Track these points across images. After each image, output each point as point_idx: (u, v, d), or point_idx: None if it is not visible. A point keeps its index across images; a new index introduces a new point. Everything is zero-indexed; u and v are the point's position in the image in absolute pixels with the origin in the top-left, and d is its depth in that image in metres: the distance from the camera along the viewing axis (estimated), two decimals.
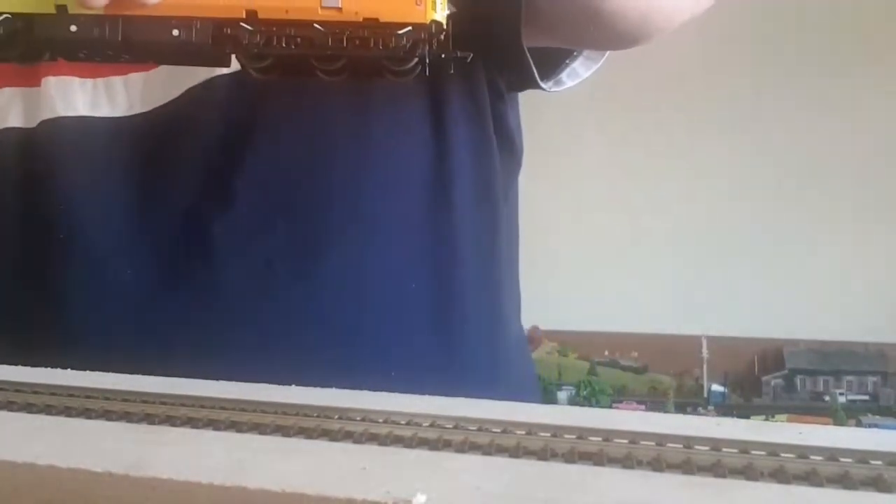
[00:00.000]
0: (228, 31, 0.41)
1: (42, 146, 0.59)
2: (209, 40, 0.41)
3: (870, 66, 1.82)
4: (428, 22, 0.41)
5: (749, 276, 2.29)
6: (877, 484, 0.28)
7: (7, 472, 0.30)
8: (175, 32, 0.41)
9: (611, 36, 0.59)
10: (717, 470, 0.29)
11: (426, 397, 0.39)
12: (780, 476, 0.28)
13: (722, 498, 0.27)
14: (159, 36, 0.41)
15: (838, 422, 2.26)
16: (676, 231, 1.95)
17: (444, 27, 0.42)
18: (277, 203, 0.57)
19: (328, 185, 0.57)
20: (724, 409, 2.35)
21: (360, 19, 0.41)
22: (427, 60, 0.42)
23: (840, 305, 2.37)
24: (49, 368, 0.44)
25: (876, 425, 2.20)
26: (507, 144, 0.64)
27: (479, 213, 0.62)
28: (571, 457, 0.30)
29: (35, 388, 0.40)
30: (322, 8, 0.41)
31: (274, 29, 0.41)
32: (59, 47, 0.43)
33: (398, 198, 0.59)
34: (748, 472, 0.28)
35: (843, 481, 0.28)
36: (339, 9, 0.41)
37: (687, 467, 0.29)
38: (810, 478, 0.28)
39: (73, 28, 0.41)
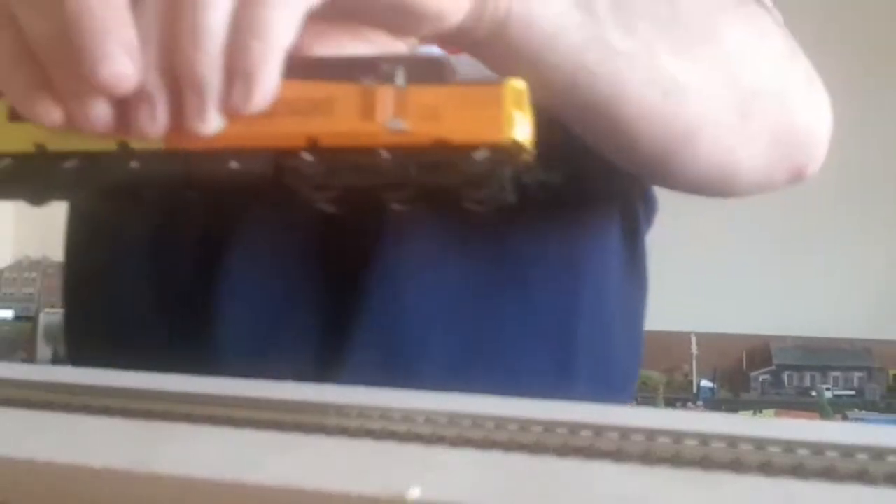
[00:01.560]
0: (289, 162, 0.38)
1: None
2: (270, 172, 0.39)
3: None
4: (507, 142, 0.37)
5: (737, 274, 2.30)
6: (862, 477, 0.28)
7: (6, 468, 0.30)
8: (234, 164, 0.39)
9: (689, 188, 0.58)
10: (705, 464, 0.29)
11: (420, 393, 0.39)
12: (768, 469, 0.29)
13: (710, 491, 0.27)
14: (218, 169, 0.39)
15: (825, 416, 2.28)
16: (665, 229, 1.96)
17: (529, 147, 0.38)
18: None
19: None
20: (713, 404, 2.36)
21: (430, 142, 0.38)
22: (512, 186, 0.38)
23: (826, 303, 2.39)
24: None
25: (861, 420, 2.21)
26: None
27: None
28: (563, 451, 0.31)
29: (34, 385, 0.40)
30: (388, 132, 0.38)
31: (337, 157, 0.38)
32: (120, 186, 0.40)
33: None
34: (736, 466, 0.29)
35: (829, 475, 0.28)
36: (406, 131, 0.38)
37: (676, 461, 0.29)
38: (797, 471, 0.28)
39: (135, 165, 0.39)
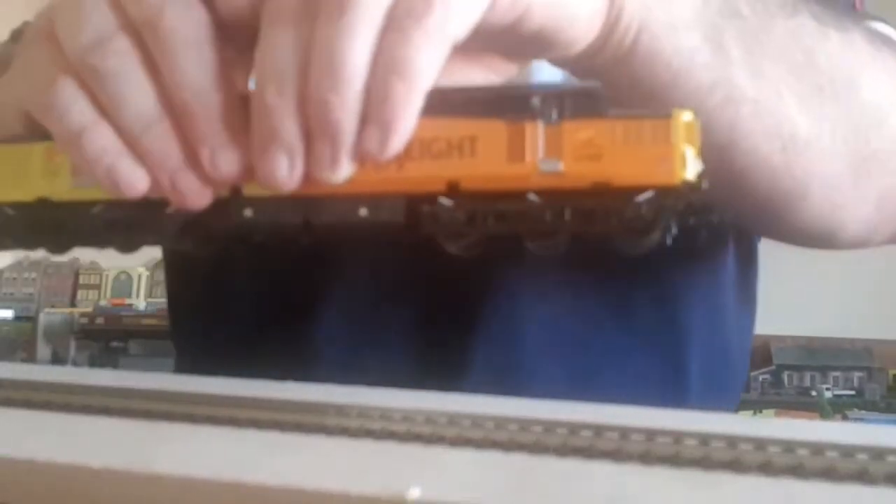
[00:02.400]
0: (425, 208, 0.35)
1: None
2: (402, 219, 0.35)
3: None
4: (678, 183, 0.33)
5: None
6: (862, 477, 0.28)
7: (6, 468, 0.30)
8: (362, 212, 0.35)
9: (787, 240, 0.57)
10: (705, 463, 0.29)
11: (420, 393, 0.39)
12: (768, 469, 0.29)
13: (710, 491, 0.27)
14: (344, 216, 0.35)
15: (824, 416, 2.28)
16: None
17: (699, 186, 0.34)
18: None
19: None
20: None
21: (587, 185, 0.33)
22: (673, 230, 0.34)
23: (827, 303, 2.39)
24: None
25: (861, 420, 2.22)
26: None
27: None
28: (563, 451, 0.31)
29: (34, 385, 0.40)
30: (539, 174, 0.34)
31: (480, 203, 0.34)
32: (231, 234, 0.37)
33: None
34: (736, 466, 0.29)
35: (829, 474, 0.28)
36: (561, 172, 0.34)
37: (676, 461, 0.29)
38: (797, 471, 0.28)
39: (248, 213, 0.36)
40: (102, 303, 2.90)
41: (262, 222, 0.36)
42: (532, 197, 0.34)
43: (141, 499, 0.29)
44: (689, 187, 0.34)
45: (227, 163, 0.34)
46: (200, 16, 0.35)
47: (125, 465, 0.29)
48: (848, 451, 0.30)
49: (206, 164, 0.34)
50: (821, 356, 2.56)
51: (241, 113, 0.34)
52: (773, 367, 2.58)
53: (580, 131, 0.34)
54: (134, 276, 2.90)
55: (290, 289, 0.60)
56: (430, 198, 0.34)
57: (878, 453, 0.30)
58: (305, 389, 0.41)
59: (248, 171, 0.34)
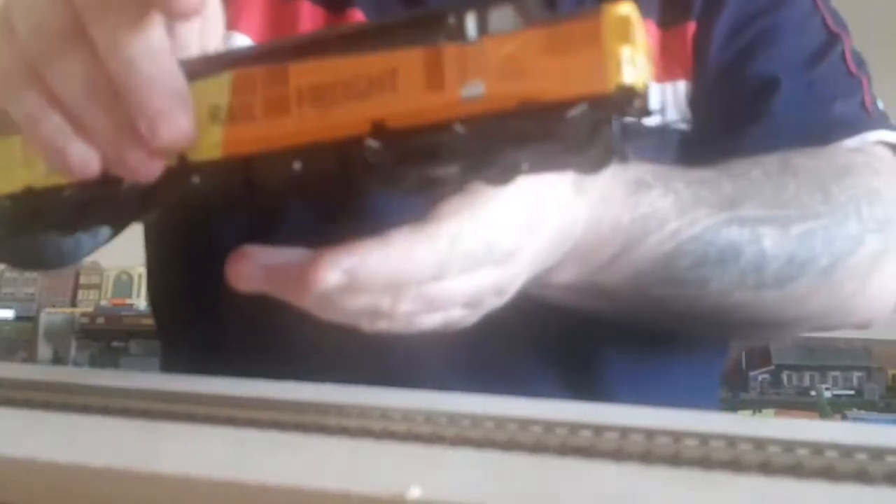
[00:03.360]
0: (354, 153, 0.33)
1: None
2: (334, 168, 0.33)
3: None
4: (612, 90, 0.30)
5: None
6: (861, 477, 0.28)
7: (7, 467, 0.30)
8: (296, 166, 0.34)
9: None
10: (705, 463, 0.29)
11: (420, 393, 0.39)
12: (767, 469, 0.29)
13: (710, 491, 0.27)
14: (281, 172, 0.34)
15: (824, 416, 2.28)
16: None
17: (642, 89, 0.30)
18: None
19: None
20: None
21: (514, 105, 0.31)
22: (616, 144, 0.30)
23: None
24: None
25: (861, 419, 2.22)
26: None
27: None
28: (563, 451, 0.31)
29: (34, 385, 0.40)
30: (461, 101, 0.31)
31: (407, 141, 0.32)
32: (183, 201, 0.37)
33: None
34: (735, 466, 0.29)
35: (829, 474, 0.28)
36: (482, 97, 0.31)
37: (675, 461, 0.29)
38: (796, 471, 0.28)
39: (196, 179, 0.36)
40: (103, 303, 2.90)
41: (208, 187, 0.36)
42: (458, 127, 0.31)
43: (141, 498, 0.29)
44: (629, 93, 0.30)
45: (166, 131, 0.34)
46: None
47: (125, 464, 0.29)
48: (847, 451, 0.30)
49: (146, 135, 0.35)
50: (820, 356, 2.56)
51: (177, 79, 0.35)
52: (773, 367, 2.58)
53: (501, 47, 0.31)
54: (134, 275, 2.90)
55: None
56: (358, 142, 0.33)
57: (878, 453, 0.30)
58: (305, 389, 0.41)
59: (191, 138, 0.35)
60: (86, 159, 0.36)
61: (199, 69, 0.36)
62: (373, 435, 0.33)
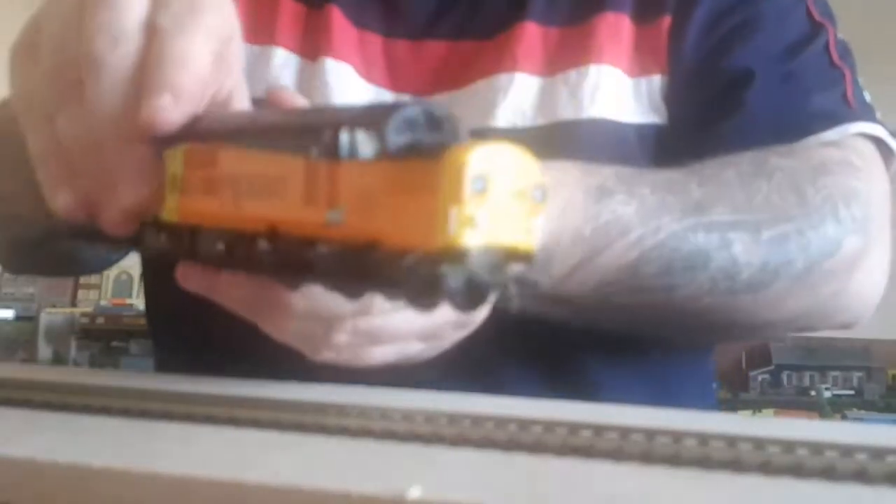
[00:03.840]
0: (253, 248, 0.33)
1: None
2: (243, 256, 0.34)
3: None
4: (443, 247, 0.27)
5: None
6: (861, 477, 0.28)
7: (7, 467, 0.30)
8: (220, 245, 0.35)
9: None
10: (705, 463, 0.29)
11: (420, 393, 0.39)
12: (767, 469, 0.29)
13: (710, 490, 0.27)
14: (209, 248, 0.36)
15: (824, 416, 2.28)
16: None
17: (490, 247, 0.28)
18: None
19: None
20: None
21: (363, 240, 0.29)
22: (462, 297, 0.28)
23: None
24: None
25: (861, 419, 2.22)
26: None
27: None
28: (563, 451, 0.31)
29: (34, 385, 0.40)
30: (325, 224, 0.30)
31: (290, 248, 0.32)
32: (156, 254, 0.39)
33: None
34: (735, 466, 0.29)
35: (829, 474, 0.28)
36: (343, 225, 0.30)
37: (676, 461, 0.29)
38: (796, 471, 0.28)
39: (162, 237, 0.38)
40: (103, 303, 2.90)
41: (171, 245, 0.38)
42: (321, 248, 0.31)
43: (141, 498, 0.29)
44: (465, 252, 0.27)
45: (125, 197, 0.37)
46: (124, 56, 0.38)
47: (125, 464, 0.29)
48: (847, 451, 0.30)
49: (112, 196, 0.38)
50: (820, 356, 2.56)
51: (142, 151, 0.37)
52: (773, 367, 2.59)
53: (362, 174, 0.29)
54: (134, 276, 2.90)
55: None
56: (256, 238, 0.33)
57: (877, 453, 0.30)
58: (306, 389, 0.41)
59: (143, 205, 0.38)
60: (69, 208, 0.39)
61: (186, 133, 0.37)
62: (373, 435, 0.33)
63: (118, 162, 0.37)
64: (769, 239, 0.51)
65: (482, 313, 0.42)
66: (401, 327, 0.41)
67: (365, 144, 0.30)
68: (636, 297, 0.51)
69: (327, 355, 0.41)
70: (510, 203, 0.28)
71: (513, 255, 0.29)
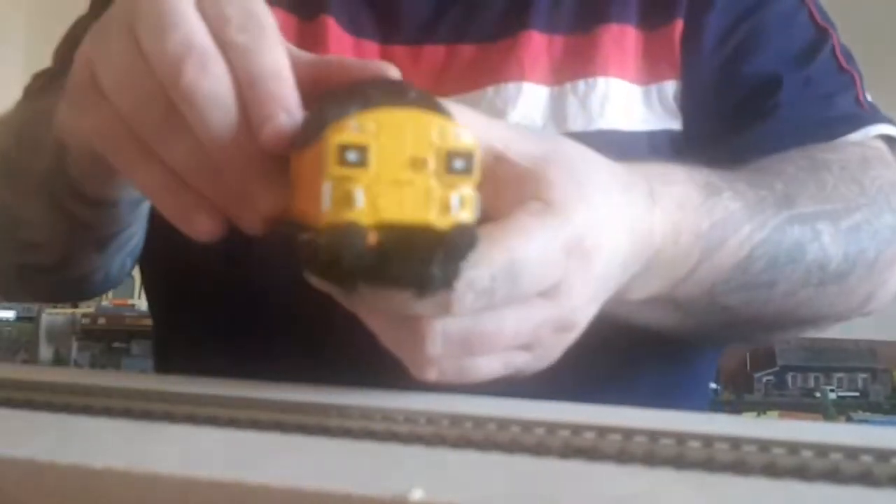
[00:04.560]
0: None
1: None
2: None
3: None
4: (324, 224, 0.28)
5: None
6: (866, 479, 0.28)
7: (7, 467, 0.30)
8: None
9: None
10: (709, 465, 0.29)
11: (422, 395, 0.39)
12: (772, 471, 0.28)
13: (714, 492, 0.27)
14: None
15: (829, 418, 2.28)
16: None
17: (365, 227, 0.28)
18: None
19: None
20: (717, 405, 2.36)
21: (285, 214, 0.34)
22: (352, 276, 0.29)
23: None
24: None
25: (866, 421, 2.21)
26: None
27: None
28: (566, 452, 0.31)
29: (35, 385, 0.40)
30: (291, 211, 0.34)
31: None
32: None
33: None
34: (740, 467, 0.29)
35: (834, 476, 0.28)
36: (292, 210, 0.34)
37: (679, 463, 0.29)
38: (801, 473, 0.28)
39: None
40: (104, 303, 2.90)
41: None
42: (303, 237, 0.31)
43: (142, 499, 0.29)
44: (346, 230, 0.27)
45: (261, 203, 0.37)
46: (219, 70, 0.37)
47: (127, 465, 0.29)
48: (852, 453, 0.30)
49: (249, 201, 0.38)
50: (825, 357, 2.56)
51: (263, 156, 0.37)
52: (777, 369, 2.58)
53: (307, 159, 0.30)
54: (136, 276, 2.90)
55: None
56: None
57: (883, 455, 0.29)
58: (307, 391, 0.40)
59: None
60: (211, 228, 0.39)
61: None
62: (375, 436, 0.33)
63: (248, 176, 0.37)
64: (847, 228, 0.52)
65: (584, 315, 0.41)
66: (492, 330, 0.38)
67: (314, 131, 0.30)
68: (740, 296, 0.50)
69: (431, 373, 0.38)
70: (412, 176, 0.27)
71: (416, 232, 0.28)
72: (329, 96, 0.33)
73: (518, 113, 0.59)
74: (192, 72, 0.37)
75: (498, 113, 0.59)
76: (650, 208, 0.44)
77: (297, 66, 0.39)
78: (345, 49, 0.62)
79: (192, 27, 0.38)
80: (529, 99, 0.59)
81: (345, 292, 0.31)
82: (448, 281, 0.30)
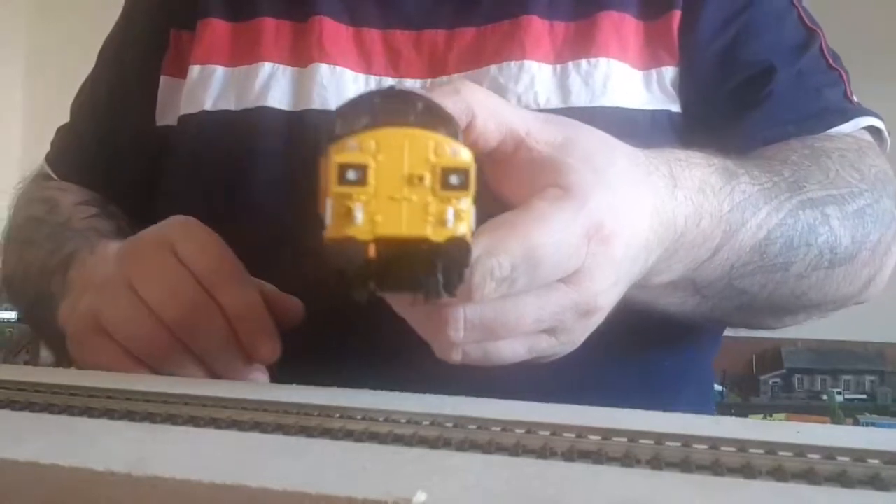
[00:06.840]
0: None
1: (308, 134, 0.61)
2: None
3: None
4: (326, 238, 0.30)
5: None
6: (874, 482, 0.28)
7: (9, 469, 0.30)
8: None
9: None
10: (715, 468, 0.29)
11: (425, 396, 0.39)
12: (778, 474, 0.28)
13: (720, 496, 0.27)
14: None
15: (836, 420, 2.27)
16: None
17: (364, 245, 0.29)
18: None
19: None
20: (723, 407, 2.36)
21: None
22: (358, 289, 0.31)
23: None
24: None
25: (873, 424, 2.21)
26: None
27: None
28: (571, 455, 0.30)
29: (37, 387, 0.40)
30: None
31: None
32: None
33: None
34: (746, 471, 0.29)
35: (841, 480, 0.28)
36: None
37: (686, 466, 0.29)
38: (808, 476, 0.28)
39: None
40: None
41: None
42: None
43: (143, 501, 0.29)
44: (344, 244, 0.29)
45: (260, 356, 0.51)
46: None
47: (128, 467, 0.29)
48: (860, 456, 0.29)
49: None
50: (832, 360, 2.55)
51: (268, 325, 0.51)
52: (784, 371, 2.58)
53: (331, 160, 0.30)
54: None
55: None
56: None
57: (890, 458, 0.29)
58: (310, 392, 0.40)
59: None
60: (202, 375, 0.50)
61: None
62: (378, 439, 0.32)
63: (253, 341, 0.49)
64: (853, 212, 0.53)
65: (606, 300, 0.41)
66: (513, 316, 0.39)
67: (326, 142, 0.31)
68: (757, 279, 0.51)
69: (456, 356, 0.39)
70: (409, 192, 0.29)
71: (413, 245, 0.29)
72: (344, 108, 0.33)
73: (522, 87, 0.60)
74: (200, 319, 0.49)
75: (501, 89, 0.59)
76: (672, 192, 0.44)
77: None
78: (342, 41, 0.64)
79: (178, 274, 0.49)
80: (531, 75, 0.60)
81: (359, 295, 0.32)
82: (449, 289, 0.31)
